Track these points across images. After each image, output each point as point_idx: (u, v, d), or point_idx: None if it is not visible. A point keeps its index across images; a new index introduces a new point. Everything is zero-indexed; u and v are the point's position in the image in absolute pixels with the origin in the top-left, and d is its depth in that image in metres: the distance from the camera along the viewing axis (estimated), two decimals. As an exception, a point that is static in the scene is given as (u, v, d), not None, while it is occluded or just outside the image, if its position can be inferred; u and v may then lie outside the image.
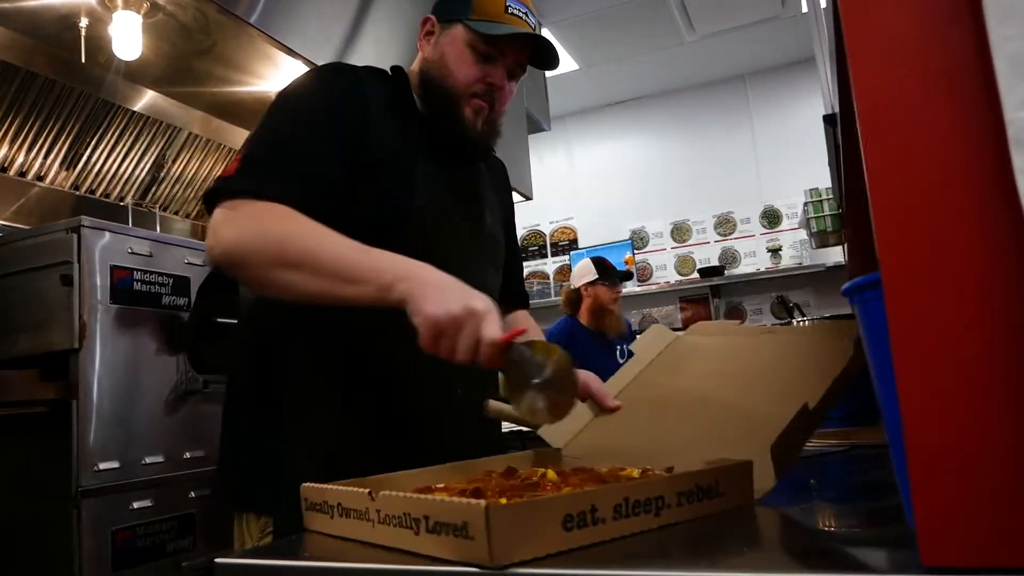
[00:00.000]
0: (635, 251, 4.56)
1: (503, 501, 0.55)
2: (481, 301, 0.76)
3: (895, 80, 0.43)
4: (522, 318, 1.29)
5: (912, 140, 0.42)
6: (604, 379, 1.01)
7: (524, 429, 1.63)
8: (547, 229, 4.91)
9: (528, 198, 3.11)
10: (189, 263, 1.79)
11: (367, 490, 0.60)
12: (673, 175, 4.62)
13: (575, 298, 3.25)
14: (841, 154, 1.07)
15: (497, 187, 1.24)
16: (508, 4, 1.05)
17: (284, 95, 1.04)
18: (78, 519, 1.49)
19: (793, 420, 0.69)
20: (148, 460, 1.65)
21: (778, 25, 3.78)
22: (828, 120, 1.52)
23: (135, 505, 1.59)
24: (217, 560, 0.58)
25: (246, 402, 1.02)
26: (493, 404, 1.03)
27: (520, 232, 4.91)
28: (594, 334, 3.16)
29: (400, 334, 0.91)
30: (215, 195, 0.92)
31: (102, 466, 1.53)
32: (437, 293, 0.76)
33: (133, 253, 1.65)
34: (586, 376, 1.08)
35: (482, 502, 0.49)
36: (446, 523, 0.51)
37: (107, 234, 1.61)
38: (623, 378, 0.99)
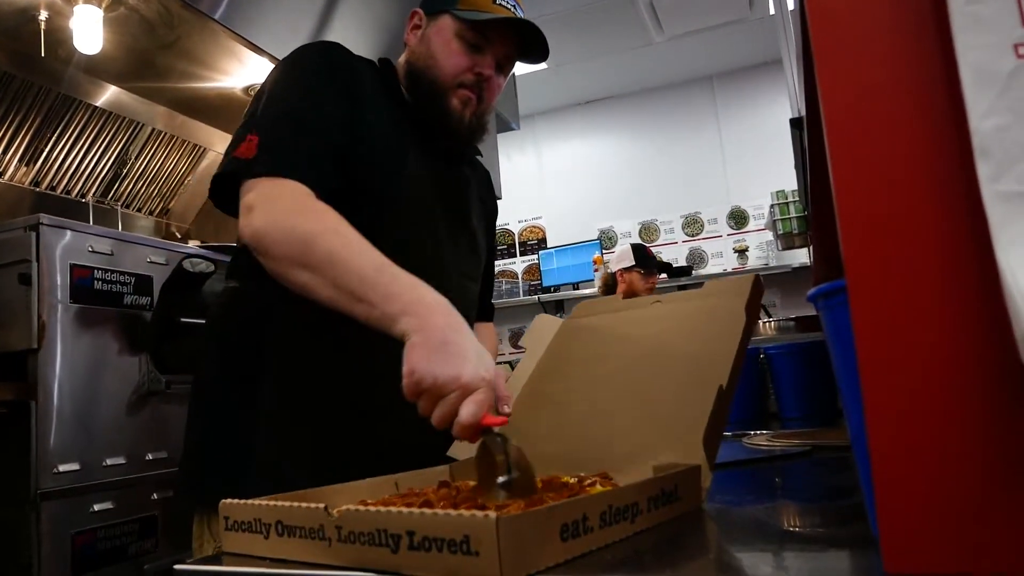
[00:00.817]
0: (603, 251, 4.60)
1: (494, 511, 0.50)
2: (474, 372, 0.70)
3: (862, 86, 0.43)
4: (484, 331, 1.27)
5: (878, 146, 0.42)
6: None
7: None
8: (516, 228, 4.92)
9: (497, 197, 3.11)
10: (152, 262, 1.76)
11: (322, 505, 0.53)
12: (641, 175, 4.66)
13: (612, 283, 3.30)
14: (807, 157, 1.08)
15: (483, 196, 1.24)
16: None
17: (287, 66, 1.01)
18: (37, 522, 1.45)
19: (714, 408, 0.68)
20: (109, 462, 1.61)
21: (746, 27, 3.83)
22: (795, 124, 1.54)
23: (96, 507, 1.55)
24: (177, 567, 0.56)
25: (215, 398, 0.99)
26: None
27: (490, 231, 4.92)
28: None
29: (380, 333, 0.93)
30: (233, 178, 0.90)
31: (62, 468, 1.50)
32: (435, 346, 0.72)
33: (94, 251, 1.61)
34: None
35: (491, 513, 0.45)
36: (438, 538, 0.46)
37: (67, 232, 1.58)
38: (520, 377, 0.93)
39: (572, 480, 0.68)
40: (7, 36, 2.20)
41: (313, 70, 1.00)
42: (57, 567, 1.46)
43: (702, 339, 0.77)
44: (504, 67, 1.08)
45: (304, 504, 0.55)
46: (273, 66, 1.05)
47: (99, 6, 2.09)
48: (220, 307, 1.05)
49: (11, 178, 2.60)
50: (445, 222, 1.07)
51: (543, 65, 4.06)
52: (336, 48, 1.05)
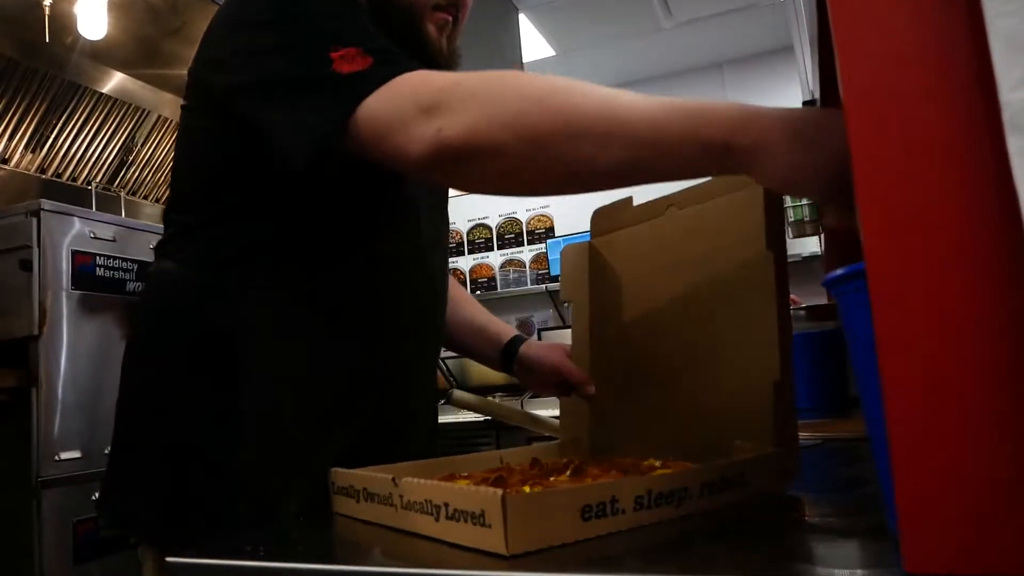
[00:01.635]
0: (612, 240, 4.56)
1: (526, 489, 0.57)
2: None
3: (884, 63, 0.41)
4: (455, 289, 1.15)
5: (903, 124, 0.40)
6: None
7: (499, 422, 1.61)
8: (523, 217, 4.89)
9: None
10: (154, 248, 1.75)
11: (391, 476, 0.60)
12: (651, 164, 4.61)
13: None
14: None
15: None
16: None
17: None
18: (38, 510, 1.45)
19: (777, 407, 0.67)
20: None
21: (756, 13, 3.78)
22: (807, 107, 1.51)
23: (97, 495, 1.55)
24: (169, 559, 0.54)
25: (167, 407, 0.80)
26: (458, 394, 1.02)
27: (496, 220, 4.88)
28: None
29: (363, 336, 0.81)
30: (367, 88, 0.66)
31: (63, 456, 1.50)
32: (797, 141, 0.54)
33: (96, 238, 1.60)
34: (552, 351, 1.02)
35: (499, 491, 0.50)
36: (464, 510, 0.52)
37: (69, 218, 1.57)
38: (581, 344, 0.93)
39: (658, 463, 0.70)
40: (12, 22, 2.19)
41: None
42: (58, 555, 1.46)
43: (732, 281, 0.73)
44: None
45: (378, 474, 0.63)
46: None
47: (103, -9, 2.08)
48: (160, 293, 0.85)
49: (17, 165, 2.60)
50: (434, 195, 0.96)
51: (551, 52, 4.02)
52: None
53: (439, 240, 0.97)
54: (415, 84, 0.65)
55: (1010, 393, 0.36)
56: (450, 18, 0.88)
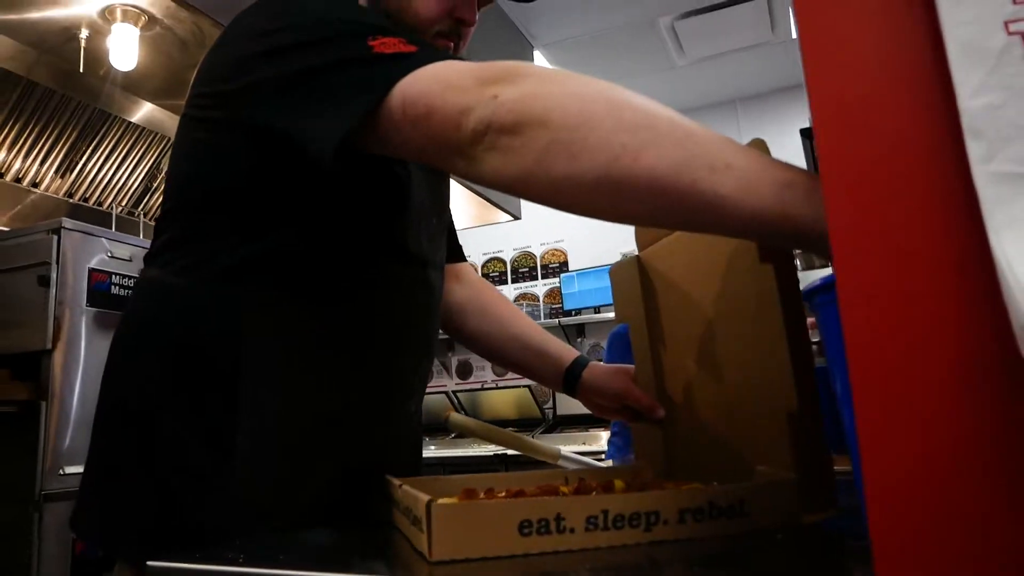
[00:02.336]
0: (627, 275, 4.56)
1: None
2: None
3: (849, 74, 0.42)
4: (469, 271, 1.17)
5: (869, 134, 0.41)
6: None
7: (508, 452, 1.60)
8: (537, 251, 4.91)
9: (516, 217, 3.11)
10: (144, 258, 1.79)
11: (399, 483, 0.65)
12: (666, 200, 4.62)
13: None
14: (818, 168, 1.06)
15: None
16: None
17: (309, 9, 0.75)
18: (39, 523, 1.46)
19: (796, 436, 0.62)
20: (118, 466, 1.62)
21: (768, 50, 3.82)
22: (804, 133, 1.52)
23: (73, 511, 1.55)
24: (149, 563, 0.54)
25: (156, 428, 0.76)
26: (455, 417, 1.02)
27: (511, 254, 4.91)
28: None
29: (356, 343, 0.79)
30: (407, 69, 0.63)
31: (68, 470, 1.51)
32: None
33: (113, 257, 1.64)
34: (616, 377, 0.98)
35: (427, 498, 0.51)
36: (415, 515, 0.55)
37: (88, 237, 1.61)
38: (644, 364, 0.90)
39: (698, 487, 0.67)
40: (50, 53, 2.28)
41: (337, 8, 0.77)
42: (56, 570, 1.47)
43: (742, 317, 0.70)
44: (482, 3, 0.92)
45: (394, 481, 0.68)
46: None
47: (135, 25, 2.16)
48: (157, 305, 0.81)
49: (46, 188, 2.68)
50: (435, 215, 0.95)
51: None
52: None
53: (439, 259, 0.97)
54: (471, 64, 0.62)
55: (983, 397, 0.36)
56: (452, 45, 0.89)
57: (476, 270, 4.55)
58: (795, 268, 0.67)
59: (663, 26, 3.50)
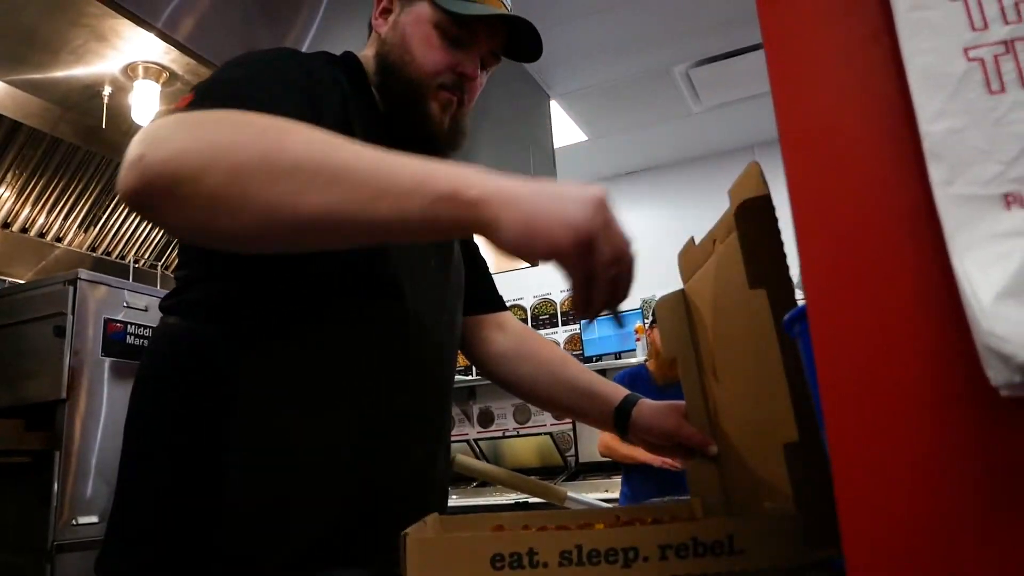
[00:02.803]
0: (645, 320, 4.54)
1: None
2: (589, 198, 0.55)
3: (815, 104, 0.43)
4: (511, 319, 1.16)
5: (832, 160, 0.41)
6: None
7: (531, 499, 1.56)
8: (557, 298, 4.91)
9: (534, 264, 3.12)
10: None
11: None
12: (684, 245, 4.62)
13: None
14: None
15: None
16: None
17: (246, 57, 0.80)
18: (52, 574, 1.45)
19: (796, 470, 0.58)
20: (130, 516, 1.62)
21: (784, 98, 3.85)
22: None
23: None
24: None
25: (162, 464, 0.78)
26: (461, 459, 1.00)
27: (531, 301, 4.92)
28: (659, 384, 2.91)
29: (371, 395, 0.80)
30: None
31: (81, 520, 1.51)
32: (541, 196, 0.54)
33: (129, 307, 1.68)
34: (668, 415, 0.95)
35: (407, 532, 0.54)
36: (397, 547, 0.56)
37: (103, 287, 1.65)
38: (695, 400, 0.88)
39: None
40: (74, 110, 2.36)
41: (281, 65, 0.81)
42: (65, 620, 1.46)
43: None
44: (488, 64, 0.94)
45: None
46: None
47: (157, 81, 2.24)
48: (165, 348, 0.83)
49: (70, 243, 2.74)
50: (431, 254, 0.94)
51: (583, 137, 4.14)
52: (298, 52, 0.88)
53: (432, 296, 0.93)
54: (160, 120, 0.62)
55: (952, 424, 0.36)
56: (455, 99, 0.91)
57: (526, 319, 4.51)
58: (792, 292, 0.66)
59: (678, 74, 3.55)
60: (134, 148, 0.58)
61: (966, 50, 0.38)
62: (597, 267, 0.55)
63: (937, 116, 0.38)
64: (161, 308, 0.87)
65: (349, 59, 0.95)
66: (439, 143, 0.92)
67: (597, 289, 0.56)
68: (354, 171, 0.56)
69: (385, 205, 0.55)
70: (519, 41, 0.93)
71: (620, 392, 1.05)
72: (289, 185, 0.56)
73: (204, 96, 0.69)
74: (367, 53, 0.95)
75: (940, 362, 0.36)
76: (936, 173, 0.37)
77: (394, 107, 0.91)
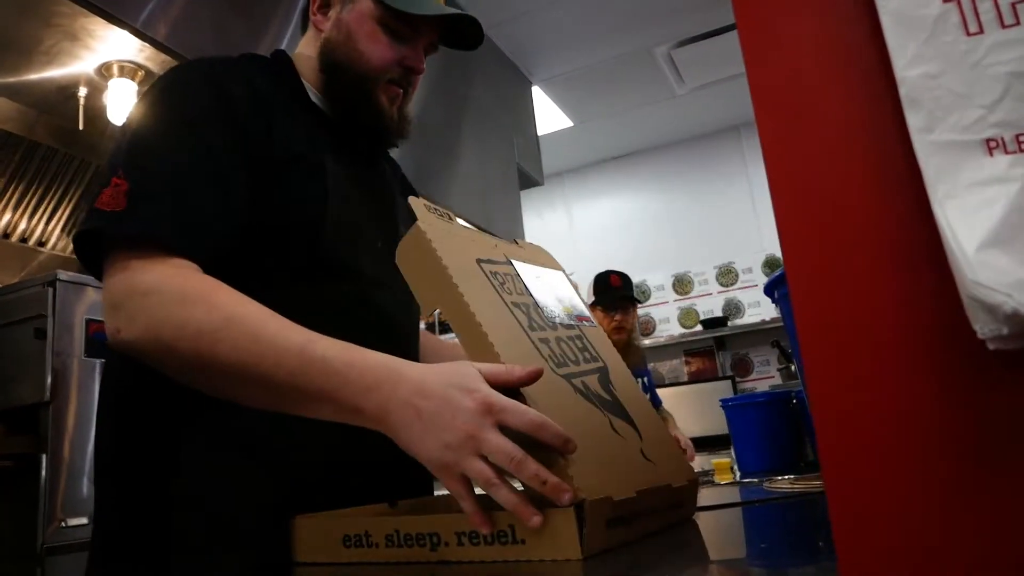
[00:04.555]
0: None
1: None
2: (473, 387, 0.59)
3: (786, 54, 0.41)
4: (431, 340, 1.14)
5: (806, 112, 0.40)
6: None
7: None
8: (550, 285, 4.91)
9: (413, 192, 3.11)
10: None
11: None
12: (672, 228, 4.63)
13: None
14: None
15: (403, 190, 1.10)
16: None
17: (162, 96, 0.81)
18: (42, 578, 1.44)
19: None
20: (120, 518, 1.60)
21: (768, 77, 3.84)
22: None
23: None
24: None
25: (125, 466, 0.79)
26: None
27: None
28: None
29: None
30: (97, 236, 0.73)
31: (71, 522, 1.50)
32: (420, 423, 0.60)
33: (111, 306, 1.65)
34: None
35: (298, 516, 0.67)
36: None
37: (83, 288, 1.62)
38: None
39: None
40: (50, 113, 2.33)
41: (194, 94, 0.81)
42: (56, 624, 1.44)
43: None
44: (428, 53, 0.96)
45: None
46: None
47: (133, 79, 2.21)
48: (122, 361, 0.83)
49: (52, 247, 2.71)
50: (377, 236, 0.93)
51: (568, 123, 4.12)
52: (214, 63, 0.86)
53: (391, 281, 0.89)
54: (123, 279, 0.71)
55: (938, 381, 0.34)
56: (400, 92, 0.94)
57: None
58: None
59: (660, 56, 3.53)
60: (110, 318, 0.71)
61: (942, -8, 0.37)
62: (481, 476, 0.57)
63: (913, 61, 0.36)
64: None
65: (280, 58, 0.95)
66: (391, 134, 0.95)
67: (500, 494, 0.57)
68: (277, 379, 0.66)
69: (301, 406, 0.67)
70: (459, 31, 0.96)
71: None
72: (231, 383, 0.69)
73: (137, 194, 0.72)
74: (303, 51, 0.96)
75: (921, 315, 0.35)
76: (914, 120, 0.36)
77: (342, 103, 0.93)
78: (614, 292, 2.77)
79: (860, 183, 0.38)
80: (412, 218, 0.94)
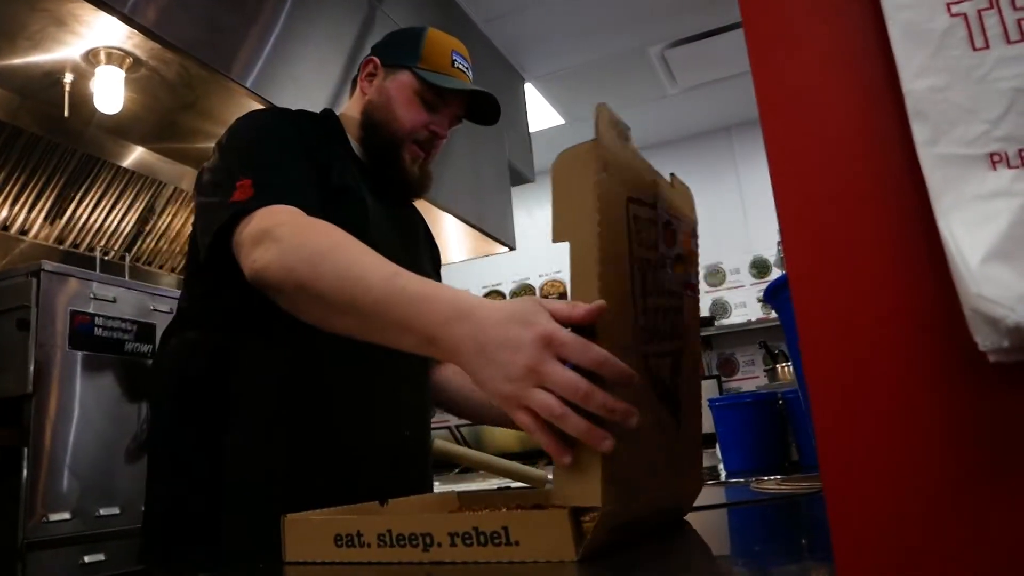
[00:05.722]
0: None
1: None
2: (528, 313, 0.60)
3: (794, 64, 0.41)
4: (452, 370, 1.21)
5: (812, 120, 0.40)
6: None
7: (514, 484, 1.54)
8: (536, 282, 4.91)
9: (511, 248, 3.11)
10: (155, 309, 1.77)
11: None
12: (662, 227, 4.63)
13: None
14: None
15: (427, 238, 1.26)
16: (454, 59, 1.10)
17: (247, 124, 1.00)
18: (23, 574, 1.41)
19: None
20: (103, 512, 1.58)
21: (759, 79, 3.84)
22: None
23: (86, 559, 1.51)
24: None
25: (178, 448, 0.94)
26: (439, 444, 1.00)
27: (510, 286, 4.90)
28: None
29: (350, 379, 0.94)
30: (238, 216, 0.86)
31: (52, 517, 1.48)
32: (483, 357, 0.62)
33: (95, 298, 1.63)
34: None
35: (286, 514, 0.67)
36: None
37: (68, 279, 1.60)
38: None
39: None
40: (34, 99, 2.29)
41: (275, 121, 1.01)
42: (37, 619, 1.43)
43: None
44: (453, 124, 1.14)
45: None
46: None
47: (120, 67, 2.17)
48: (176, 358, 0.99)
49: (35, 236, 2.68)
50: (408, 267, 1.03)
51: (560, 120, 4.11)
52: (287, 110, 1.06)
53: None
54: (260, 219, 0.84)
55: (936, 388, 0.35)
56: (423, 154, 1.10)
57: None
58: None
59: (653, 55, 3.53)
60: (247, 255, 0.83)
61: (948, 5, 0.37)
62: (544, 408, 0.57)
63: (920, 73, 0.36)
64: (172, 326, 1.03)
65: (329, 116, 1.13)
66: (410, 188, 1.12)
67: (567, 424, 0.56)
68: (367, 307, 0.72)
69: (386, 334, 0.72)
70: (481, 107, 1.14)
71: None
72: (331, 311, 0.77)
73: (260, 184, 0.88)
74: (348, 112, 1.14)
75: (922, 321, 0.35)
76: (920, 132, 0.36)
77: (374, 157, 1.09)
78: None
79: (863, 190, 0.38)
80: (433, 263, 1.17)
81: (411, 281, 0.71)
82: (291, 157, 0.96)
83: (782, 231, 0.40)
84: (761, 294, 4.27)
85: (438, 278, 1.25)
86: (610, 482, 0.54)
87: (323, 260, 0.77)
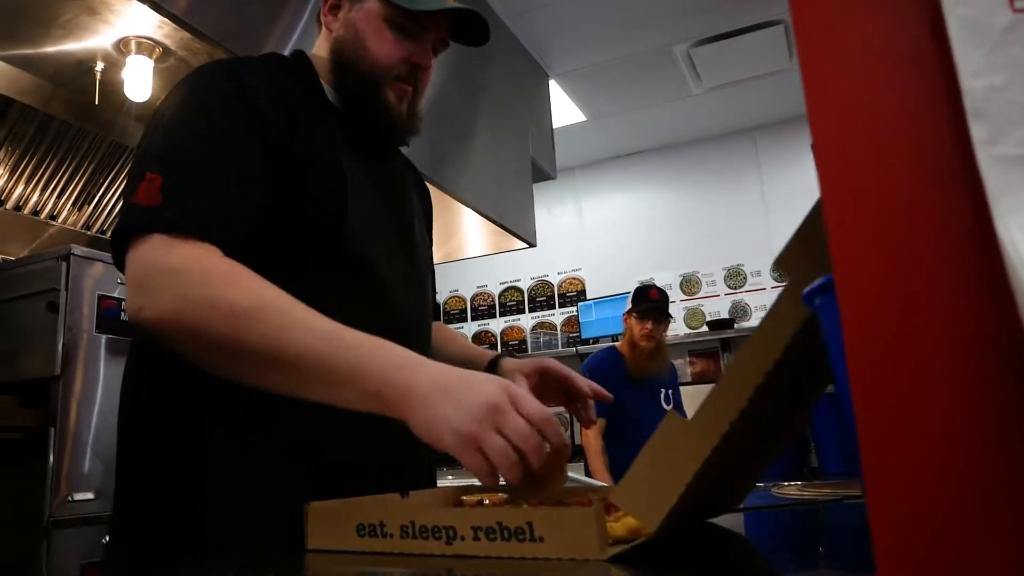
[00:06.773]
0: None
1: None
2: (497, 383, 0.64)
3: (844, 58, 0.40)
4: (440, 329, 1.17)
5: (863, 118, 0.39)
6: (627, 420, 0.98)
7: None
8: (555, 280, 4.90)
9: (532, 244, 3.10)
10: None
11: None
12: (682, 227, 4.61)
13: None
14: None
15: (417, 186, 1.13)
16: None
17: (189, 96, 0.83)
18: (48, 551, 1.44)
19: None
20: (125, 494, 1.60)
21: (786, 78, 3.81)
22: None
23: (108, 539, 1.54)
24: None
25: (151, 452, 0.81)
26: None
27: (528, 283, 4.90)
28: (631, 370, 2.97)
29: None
30: (133, 231, 0.74)
31: (76, 497, 1.50)
32: (441, 396, 0.64)
33: (122, 283, 1.65)
34: (531, 364, 1.00)
35: (310, 503, 0.67)
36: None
37: (97, 263, 1.62)
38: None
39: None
40: (66, 87, 2.32)
41: (220, 95, 0.83)
42: (62, 598, 1.45)
43: None
44: (437, 50, 0.98)
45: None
46: None
47: (150, 56, 2.20)
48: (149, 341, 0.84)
49: (64, 221, 2.71)
50: (392, 231, 0.96)
51: (582, 117, 4.10)
52: (242, 65, 0.88)
53: (404, 271, 0.96)
54: (157, 252, 0.73)
55: (990, 394, 0.34)
56: (410, 88, 0.95)
57: (493, 298, 4.61)
58: None
59: (679, 54, 3.51)
60: (133, 296, 0.72)
61: (1012, 1, 0.36)
62: (492, 455, 0.61)
63: (979, 71, 0.35)
64: None
65: (299, 59, 0.98)
66: (400, 132, 0.97)
67: (512, 473, 0.61)
68: (306, 363, 0.68)
69: (324, 390, 0.69)
70: (467, 27, 0.97)
71: (489, 353, 1.11)
72: (251, 363, 0.70)
73: (171, 188, 0.75)
74: (318, 52, 0.98)
75: (977, 332, 0.34)
76: (978, 132, 0.35)
77: (352, 102, 0.94)
78: (650, 303, 3.02)
79: (917, 191, 0.37)
80: (426, 215, 0.99)
81: (357, 334, 0.70)
82: (231, 145, 0.80)
83: (829, 232, 0.39)
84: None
85: (430, 232, 1.15)
86: (672, 514, 0.54)
87: (251, 316, 0.69)
